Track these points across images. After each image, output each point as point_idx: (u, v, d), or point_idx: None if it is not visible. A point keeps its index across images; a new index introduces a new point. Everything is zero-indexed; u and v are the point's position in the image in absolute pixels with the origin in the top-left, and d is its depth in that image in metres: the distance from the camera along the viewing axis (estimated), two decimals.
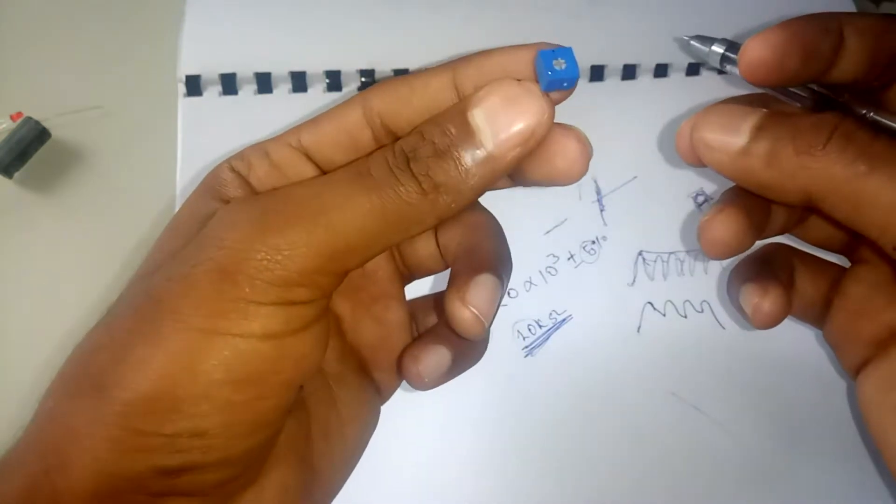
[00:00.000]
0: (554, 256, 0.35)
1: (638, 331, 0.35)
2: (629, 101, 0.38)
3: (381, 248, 0.20)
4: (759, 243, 0.24)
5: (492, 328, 0.33)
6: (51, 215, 0.35)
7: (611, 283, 0.35)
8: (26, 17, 0.39)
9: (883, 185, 0.18)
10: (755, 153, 0.20)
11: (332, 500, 0.23)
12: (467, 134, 0.19)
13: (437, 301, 0.26)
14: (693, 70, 0.39)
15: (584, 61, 0.38)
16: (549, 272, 0.35)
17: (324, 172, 0.22)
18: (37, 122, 0.35)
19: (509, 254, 0.24)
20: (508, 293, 0.34)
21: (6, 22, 0.39)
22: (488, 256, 0.23)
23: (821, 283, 0.26)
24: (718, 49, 0.24)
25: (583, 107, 0.38)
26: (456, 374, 0.24)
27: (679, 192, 0.37)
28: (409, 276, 0.26)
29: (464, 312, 0.21)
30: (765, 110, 0.21)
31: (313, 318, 0.19)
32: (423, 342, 0.24)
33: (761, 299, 0.24)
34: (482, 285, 0.22)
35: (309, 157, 0.22)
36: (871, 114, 0.22)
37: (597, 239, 0.36)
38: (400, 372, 0.24)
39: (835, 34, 0.21)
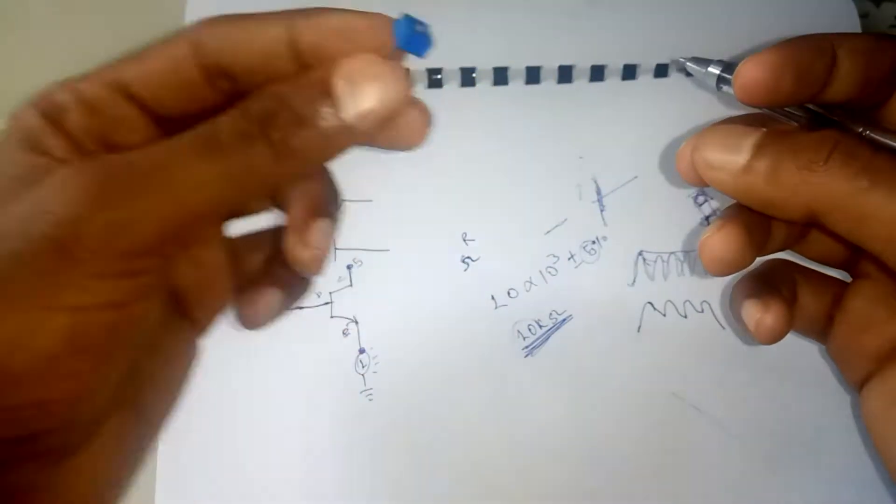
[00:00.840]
0: (554, 256, 0.35)
1: (638, 331, 0.35)
2: (629, 101, 0.38)
3: (228, 212, 0.20)
4: (759, 259, 0.24)
5: (492, 328, 0.34)
6: None
7: (611, 283, 0.35)
8: (27, 16, 0.39)
9: (885, 199, 0.19)
10: (756, 170, 0.20)
11: (156, 439, 0.23)
12: (330, 102, 0.19)
13: (258, 240, 0.26)
14: None
15: (584, 61, 0.38)
16: (550, 272, 0.35)
17: (149, 114, 0.21)
18: None
19: (337, 190, 0.25)
20: (508, 293, 0.34)
21: (6, 22, 0.39)
22: (323, 199, 0.24)
23: (823, 299, 0.26)
24: (714, 70, 0.24)
25: (583, 107, 0.38)
26: (285, 312, 0.25)
27: (679, 192, 0.38)
28: (229, 217, 0.25)
29: (305, 253, 0.22)
30: (764, 129, 0.21)
31: (156, 283, 0.19)
32: (257, 286, 0.24)
33: (763, 314, 0.24)
34: (321, 230, 0.23)
35: (131, 97, 0.20)
36: (867, 132, 0.22)
37: (597, 239, 0.36)
38: (238, 317, 0.25)
39: (828, 55, 0.21)
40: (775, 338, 0.24)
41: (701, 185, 0.23)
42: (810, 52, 0.21)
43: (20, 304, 0.17)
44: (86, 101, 0.20)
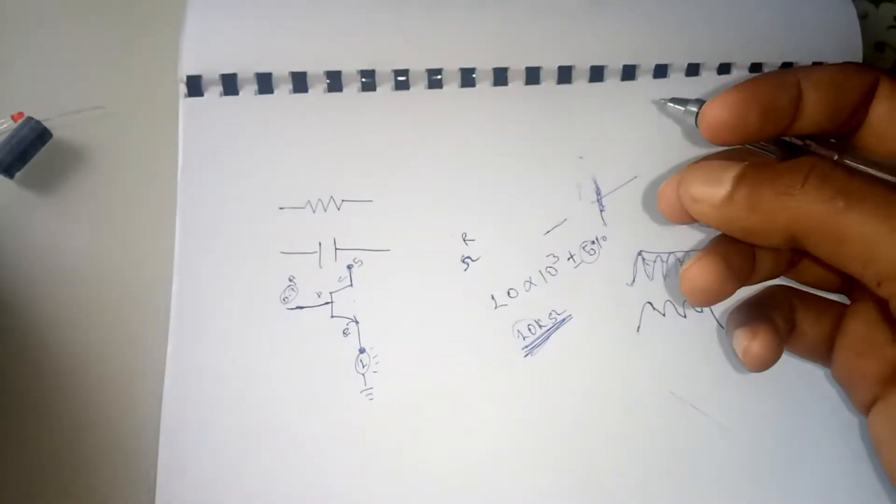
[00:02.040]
0: (554, 256, 0.36)
1: (637, 330, 0.35)
2: (629, 101, 0.38)
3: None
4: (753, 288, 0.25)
5: (491, 327, 0.34)
6: (52, 215, 0.35)
7: (610, 283, 0.35)
8: (27, 16, 0.39)
9: (861, 219, 0.19)
10: (737, 200, 0.21)
11: None
12: None
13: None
14: (692, 71, 0.39)
15: (584, 62, 0.38)
16: (549, 272, 0.35)
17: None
18: (38, 122, 0.35)
19: None
20: (508, 293, 0.35)
21: (7, 21, 0.39)
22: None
23: (823, 323, 0.27)
24: (693, 109, 0.25)
25: (583, 107, 0.38)
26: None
27: None
28: None
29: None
30: (745, 162, 0.21)
31: None
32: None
33: (750, 342, 0.24)
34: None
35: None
36: (841, 159, 0.23)
37: (596, 239, 0.36)
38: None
39: (792, 89, 0.22)
40: (763, 365, 0.25)
41: (683, 221, 0.23)
42: (773, 88, 0.22)
43: None
44: None
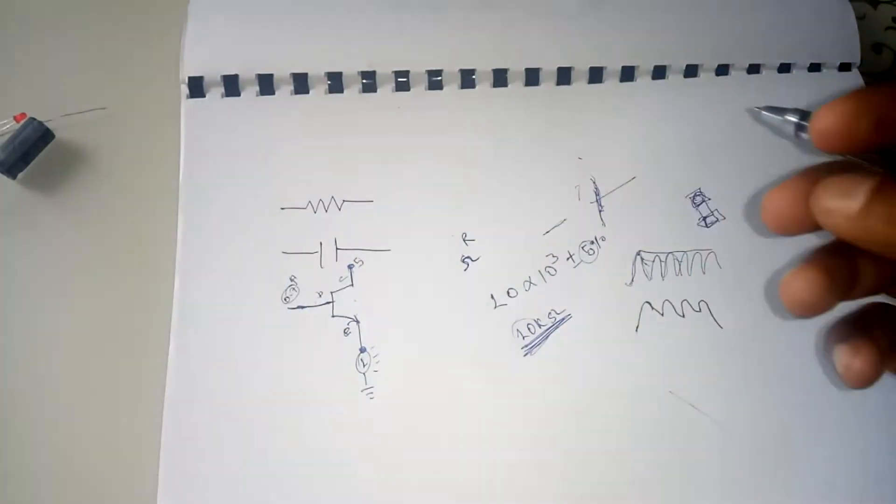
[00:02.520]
0: (553, 256, 0.36)
1: (636, 330, 0.35)
2: (628, 102, 0.39)
3: None
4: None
5: (491, 327, 0.34)
6: (54, 216, 0.35)
7: (609, 283, 0.36)
8: (30, 18, 0.39)
9: None
10: (875, 211, 0.21)
11: None
12: None
13: None
14: (691, 72, 0.40)
15: (583, 63, 0.38)
16: (549, 272, 0.35)
17: None
18: (40, 123, 0.35)
19: None
20: (508, 293, 0.35)
21: (9, 23, 0.39)
22: None
23: None
24: (792, 118, 0.25)
25: (582, 108, 0.38)
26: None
27: (676, 192, 0.38)
28: None
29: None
30: (880, 175, 0.21)
31: None
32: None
33: (852, 359, 0.24)
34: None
35: None
36: None
37: (595, 239, 0.36)
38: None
39: None
40: (864, 383, 0.24)
41: (791, 233, 0.23)
42: (888, 99, 0.21)
43: None
44: None
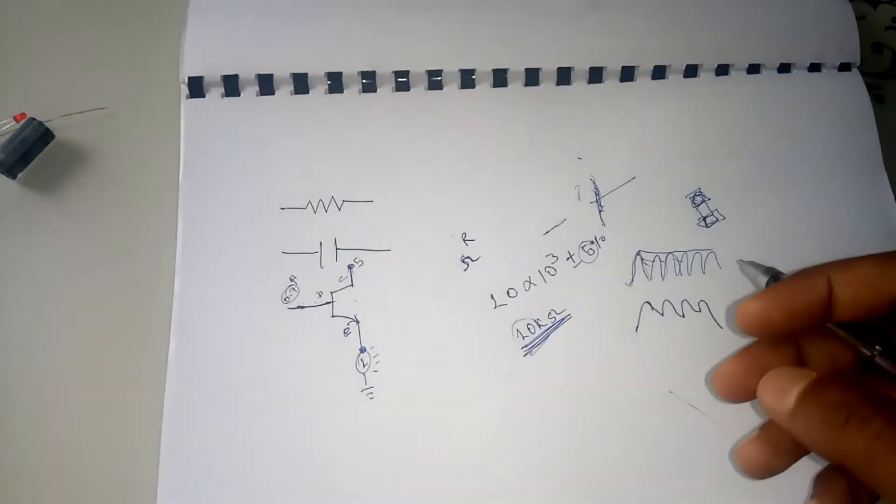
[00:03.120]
0: (553, 256, 0.36)
1: (636, 330, 0.35)
2: (628, 102, 0.39)
3: None
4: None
5: (491, 327, 0.34)
6: (54, 216, 0.35)
7: (609, 283, 0.36)
8: (30, 17, 0.39)
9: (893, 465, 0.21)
10: (802, 415, 0.23)
11: None
12: None
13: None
14: (690, 72, 0.40)
15: (583, 63, 0.38)
16: (549, 272, 0.35)
17: None
18: (40, 123, 0.35)
19: None
20: (508, 293, 0.35)
21: (9, 22, 0.39)
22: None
23: None
24: (763, 278, 0.29)
25: (582, 108, 0.38)
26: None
27: (677, 192, 0.38)
28: None
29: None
30: (812, 377, 0.23)
31: None
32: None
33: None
34: None
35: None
36: (878, 354, 0.25)
37: (595, 239, 0.36)
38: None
39: (820, 290, 0.24)
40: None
41: (737, 401, 0.27)
42: (798, 293, 0.25)
43: None
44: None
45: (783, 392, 0.23)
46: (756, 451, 0.26)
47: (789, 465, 0.26)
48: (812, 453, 0.25)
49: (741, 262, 0.31)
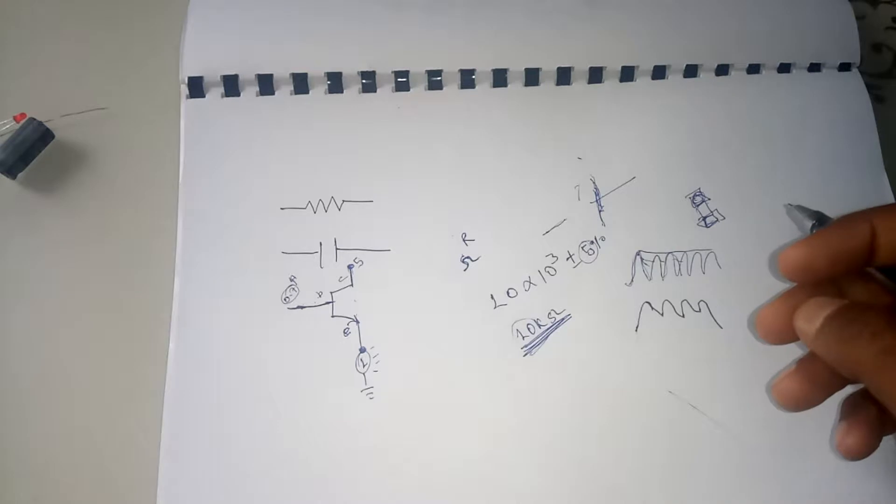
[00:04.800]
0: (553, 256, 0.36)
1: (636, 330, 0.35)
2: (627, 102, 0.39)
3: None
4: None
5: (491, 327, 0.34)
6: (54, 216, 0.35)
7: (609, 283, 0.36)
8: (30, 18, 0.39)
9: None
10: (825, 334, 0.24)
11: None
12: None
13: None
14: (690, 72, 0.40)
15: (583, 63, 0.38)
16: (549, 272, 0.35)
17: None
18: (40, 123, 0.35)
19: None
20: (507, 293, 0.35)
21: (10, 23, 0.39)
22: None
23: None
24: (809, 222, 0.31)
25: (582, 108, 0.38)
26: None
27: (676, 192, 0.38)
28: None
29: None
30: (842, 303, 0.25)
31: None
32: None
33: (843, 438, 0.27)
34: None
35: None
36: None
37: (595, 239, 0.36)
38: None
39: (864, 235, 0.25)
40: (859, 456, 0.27)
41: (777, 342, 0.27)
42: (841, 239, 0.25)
43: None
44: None
45: (814, 317, 0.25)
46: (792, 384, 0.27)
47: (824, 398, 0.27)
48: (847, 387, 0.27)
49: (788, 207, 0.33)
